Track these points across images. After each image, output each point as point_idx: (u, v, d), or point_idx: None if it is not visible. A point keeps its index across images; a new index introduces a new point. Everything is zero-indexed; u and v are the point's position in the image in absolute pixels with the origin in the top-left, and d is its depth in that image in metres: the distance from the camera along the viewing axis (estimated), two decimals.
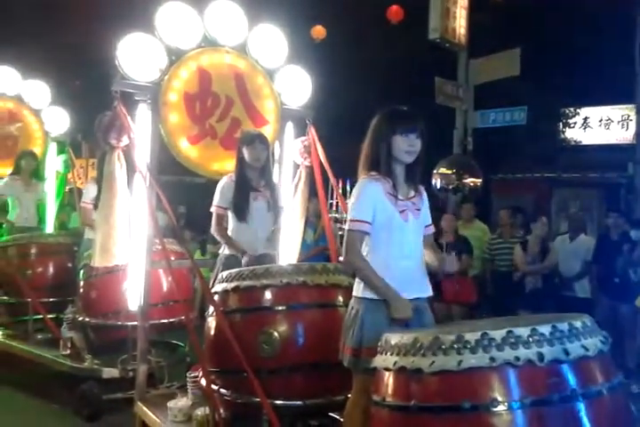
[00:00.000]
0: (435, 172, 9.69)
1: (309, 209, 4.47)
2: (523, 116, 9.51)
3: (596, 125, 11.98)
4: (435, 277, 5.49)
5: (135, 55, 3.41)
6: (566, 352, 1.59)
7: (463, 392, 1.61)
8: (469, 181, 9.70)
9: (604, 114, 11.89)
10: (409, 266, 2.30)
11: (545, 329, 1.64)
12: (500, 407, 1.57)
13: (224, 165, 3.71)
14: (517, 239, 5.79)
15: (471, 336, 1.66)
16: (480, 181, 9.75)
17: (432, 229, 2.49)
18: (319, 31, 11.49)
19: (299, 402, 2.55)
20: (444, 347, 1.68)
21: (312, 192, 4.10)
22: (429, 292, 2.36)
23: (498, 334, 1.64)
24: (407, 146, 2.28)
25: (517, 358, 1.58)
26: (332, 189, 5.41)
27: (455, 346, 1.66)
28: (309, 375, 2.58)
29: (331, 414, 2.65)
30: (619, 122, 11.85)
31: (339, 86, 9.03)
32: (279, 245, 3.67)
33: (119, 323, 3.73)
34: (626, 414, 1.69)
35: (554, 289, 5.33)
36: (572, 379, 1.59)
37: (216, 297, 2.82)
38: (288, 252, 3.90)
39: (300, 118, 4.12)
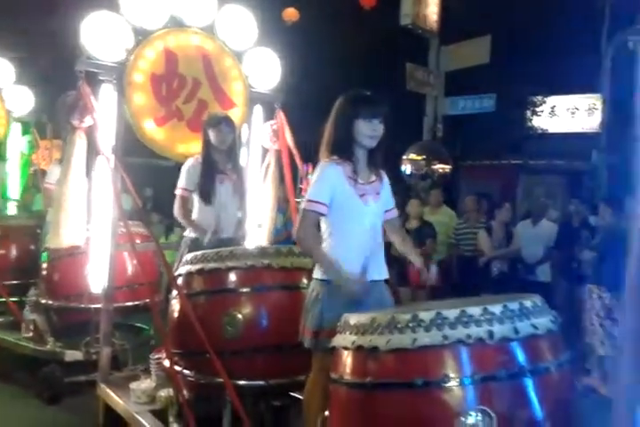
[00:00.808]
0: (404, 157, 9.78)
1: (279, 193, 4.48)
2: (491, 104, 9.64)
3: (563, 114, 12.19)
4: (400, 262, 5.60)
5: (100, 35, 3.35)
6: (516, 330, 1.65)
7: (417, 369, 1.66)
8: (439, 167, 9.81)
9: (570, 103, 12.11)
10: (368, 249, 2.32)
11: (496, 309, 1.69)
12: (452, 383, 1.62)
13: (190, 148, 3.69)
14: (482, 225, 5.91)
15: (426, 315, 1.71)
16: (449, 167, 9.87)
17: (395, 213, 2.52)
18: (292, 13, 11.39)
19: (261, 382, 2.59)
20: (399, 326, 1.72)
21: (282, 176, 4.11)
22: (386, 274, 2.40)
23: (451, 314, 1.69)
24: (370, 130, 2.30)
25: (469, 336, 1.64)
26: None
27: (410, 325, 1.71)
28: (272, 356, 2.61)
29: (292, 393, 2.69)
30: (585, 111, 12.08)
31: (310, 70, 8.99)
32: (246, 228, 3.67)
33: (82, 306, 3.71)
34: (571, 391, 1.76)
35: (517, 273, 5.46)
36: (520, 356, 1.65)
37: (180, 279, 2.82)
38: (258, 236, 3.92)
39: (268, 102, 4.11)
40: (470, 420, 1.57)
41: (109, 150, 3.25)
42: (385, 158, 2.47)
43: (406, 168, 9.82)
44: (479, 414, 1.57)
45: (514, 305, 1.71)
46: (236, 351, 2.58)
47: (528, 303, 1.75)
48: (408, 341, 1.68)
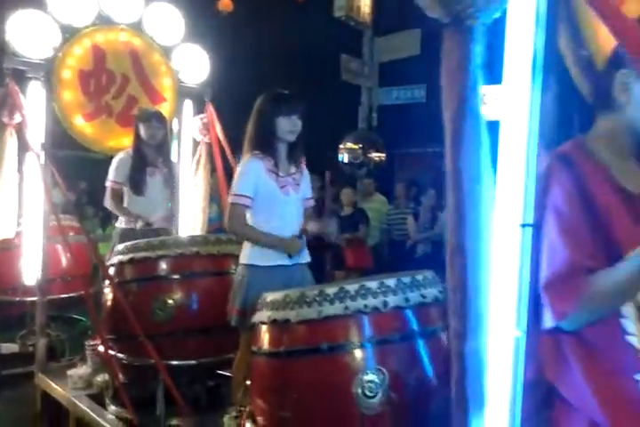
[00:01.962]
0: (341, 146, 10.05)
1: (212, 184, 4.62)
2: (422, 94, 10.00)
3: (491, 102, 12.70)
4: (336, 248, 5.86)
5: (26, 32, 3.40)
6: (407, 300, 1.90)
7: (323, 337, 1.88)
8: (374, 155, 10.13)
9: (499, 92, 12.62)
10: (290, 235, 2.54)
11: (391, 282, 1.93)
12: (353, 347, 1.85)
13: (120, 142, 3.79)
14: (411, 210, 6.23)
15: (331, 290, 1.93)
16: (384, 155, 10.21)
17: (311, 203, 2.74)
18: (226, 4, 11.40)
19: (192, 361, 2.76)
20: (307, 300, 1.94)
21: (214, 168, 4.25)
22: (308, 258, 2.61)
23: (352, 288, 1.91)
24: (290, 126, 2.50)
25: (366, 306, 1.87)
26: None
27: (317, 299, 1.92)
28: (202, 337, 2.78)
29: (221, 372, 2.88)
30: None
31: (245, 61, 9.07)
32: (178, 220, 3.82)
33: (17, 299, 3.77)
34: None
35: (439, 255, 5.79)
36: (411, 322, 1.90)
37: (112, 269, 2.95)
38: (192, 226, 4.06)
39: (198, 96, 4.23)
40: (367, 377, 1.81)
41: (39, 146, 3.32)
42: (307, 151, 2.69)
43: (343, 156, 10.08)
44: (375, 372, 1.81)
45: (407, 279, 1.96)
46: (167, 334, 2.75)
47: (419, 277, 1.99)
48: (315, 313, 1.90)
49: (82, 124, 3.73)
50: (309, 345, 1.89)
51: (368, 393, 1.81)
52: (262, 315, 2.08)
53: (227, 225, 2.50)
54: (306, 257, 2.61)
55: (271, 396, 1.97)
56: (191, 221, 4.05)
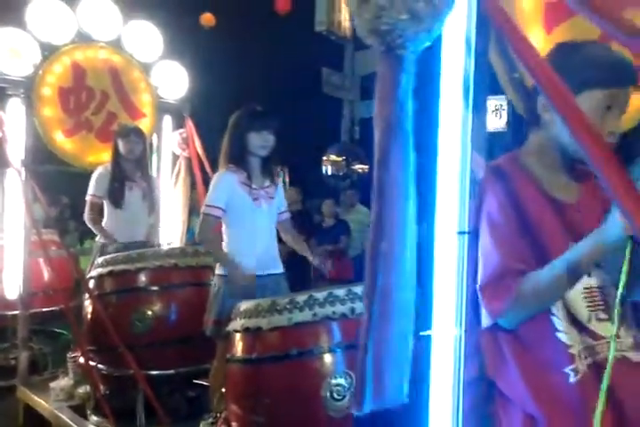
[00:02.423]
0: (325, 159, 10.18)
1: (193, 198, 4.69)
2: None
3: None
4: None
5: (6, 50, 3.48)
6: None
7: (292, 343, 1.96)
8: (357, 167, 10.25)
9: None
10: (262, 246, 2.62)
11: (358, 289, 2.01)
12: (321, 352, 1.93)
13: (100, 157, 3.87)
14: None
15: (301, 298, 2.01)
16: (367, 167, 10.34)
17: (287, 216, 2.82)
18: (208, 18, 11.55)
19: (171, 371, 2.82)
20: (278, 308, 2.02)
21: (194, 182, 4.33)
22: (281, 268, 2.70)
23: (321, 295, 2.00)
24: (261, 141, 2.59)
25: (334, 313, 1.95)
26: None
27: (287, 307, 2.01)
28: (181, 347, 2.84)
29: (199, 381, 2.93)
30: (492, 111, 12.85)
31: (225, 75, 9.19)
32: (159, 233, 3.89)
33: None
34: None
35: None
36: None
37: (92, 282, 3.01)
38: (172, 239, 4.13)
39: (177, 111, 4.33)
40: (335, 381, 1.89)
41: (19, 163, 3.39)
42: (289, 163, 2.78)
43: (327, 169, 10.20)
44: (343, 376, 1.89)
45: None
46: (147, 345, 2.81)
47: None
48: (285, 320, 1.98)
49: (62, 140, 3.80)
50: (280, 351, 1.97)
51: (336, 396, 1.89)
52: (236, 324, 2.15)
53: (197, 235, 2.58)
54: (280, 267, 2.69)
55: (244, 401, 2.05)
56: (172, 233, 4.12)
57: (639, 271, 1.05)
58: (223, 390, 2.23)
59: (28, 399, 3.32)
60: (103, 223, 3.56)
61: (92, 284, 3.00)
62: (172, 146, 4.24)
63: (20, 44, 3.55)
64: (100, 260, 3.05)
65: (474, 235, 1.17)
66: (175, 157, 4.28)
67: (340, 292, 2.01)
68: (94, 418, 2.94)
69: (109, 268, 2.94)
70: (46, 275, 4.03)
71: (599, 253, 1.06)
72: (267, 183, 2.70)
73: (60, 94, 3.78)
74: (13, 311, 3.55)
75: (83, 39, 3.90)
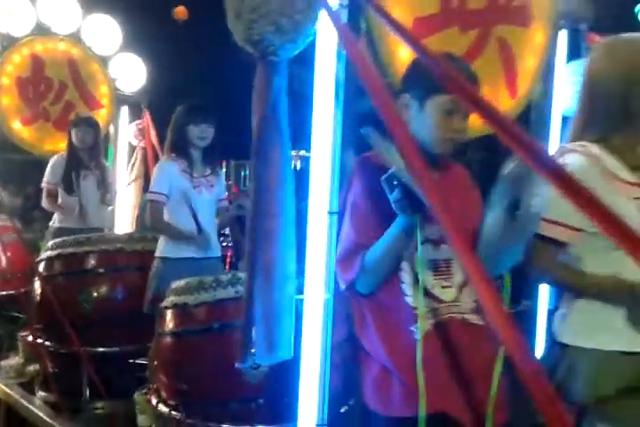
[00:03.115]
0: (294, 154, 10.37)
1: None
2: None
3: None
4: None
5: None
6: None
7: (215, 317, 2.15)
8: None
9: None
10: (202, 231, 2.81)
11: None
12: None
13: (57, 146, 4.00)
14: None
15: (225, 277, 2.20)
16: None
17: (225, 203, 3.03)
18: (181, 12, 11.60)
19: (116, 349, 2.99)
20: (205, 286, 2.21)
21: (148, 171, 4.48)
22: (219, 253, 2.90)
23: (243, 275, 2.19)
24: (200, 133, 2.79)
25: None
26: None
27: (213, 285, 2.19)
28: (125, 326, 3.00)
29: (141, 360, 3.10)
30: None
31: (190, 67, 9.29)
32: (112, 219, 4.04)
33: None
34: None
35: None
36: None
37: (43, 264, 3.16)
38: (124, 225, 4.28)
39: (135, 102, 4.46)
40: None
41: None
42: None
43: (295, 165, 10.40)
44: None
45: None
46: (92, 323, 2.96)
47: None
48: (210, 296, 2.17)
49: (20, 129, 3.93)
50: (204, 325, 2.16)
51: (253, 365, 2.08)
52: (167, 300, 2.33)
53: (147, 221, 2.76)
54: (217, 251, 2.88)
55: (171, 371, 2.23)
56: (126, 220, 4.26)
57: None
58: (155, 362, 2.41)
59: None
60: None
61: (42, 266, 3.15)
62: (128, 136, 4.38)
63: None
64: (49, 243, 3.20)
65: (341, 215, 1.37)
66: (132, 147, 4.42)
67: None
68: (42, 394, 3.09)
69: (58, 251, 3.08)
70: (3, 259, 4.14)
71: (404, 230, 1.28)
72: (207, 172, 2.88)
73: (18, 84, 3.91)
74: None
75: (42, 32, 4.02)
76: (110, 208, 3.99)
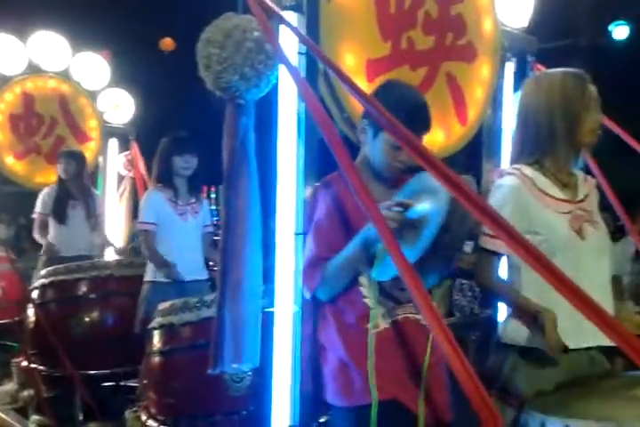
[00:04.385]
0: None
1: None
2: None
3: None
4: None
5: None
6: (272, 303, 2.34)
7: (200, 335, 2.28)
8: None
9: None
10: (189, 256, 2.98)
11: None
12: None
13: (48, 178, 4.17)
14: None
15: (209, 298, 2.35)
16: None
17: (209, 229, 3.18)
18: (168, 43, 11.91)
19: (107, 371, 3.11)
20: (189, 307, 2.35)
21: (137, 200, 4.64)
22: (205, 275, 3.05)
23: None
24: (184, 163, 2.97)
25: None
26: None
27: (197, 304, 2.34)
28: (116, 349, 3.13)
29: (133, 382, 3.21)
30: None
31: (177, 99, 9.52)
32: (102, 247, 4.18)
33: None
34: None
35: None
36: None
37: (36, 291, 3.30)
38: (115, 252, 4.41)
39: (124, 134, 4.65)
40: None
41: None
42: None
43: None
44: None
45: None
46: (84, 347, 3.08)
47: None
48: (194, 316, 2.32)
49: (12, 163, 4.11)
50: (189, 343, 2.30)
51: (236, 379, 2.22)
52: (155, 322, 2.47)
53: (143, 250, 2.94)
54: (204, 274, 3.04)
55: (159, 387, 2.36)
56: (116, 247, 4.40)
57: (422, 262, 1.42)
58: (144, 381, 2.54)
59: None
60: (49, 238, 3.85)
61: (35, 293, 3.28)
62: (117, 167, 4.55)
63: None
64: (42, 271, 3.34)
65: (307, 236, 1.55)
66: (121, 178, 4.59)
67: None
68: (36, 417, 3.20)
69: (50, 278, 3.23)
70: None
71: (364, 246, 1.43)
72: (192, 200, 3.06)
73: (10, 121, 4.10)
74: None
75: (33, 70, 4.23)
76: (98, 235, 4.11)
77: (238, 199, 1.42)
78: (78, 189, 3.93)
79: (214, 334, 1.48)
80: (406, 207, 1.37)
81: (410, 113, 1.50)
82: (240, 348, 1.49)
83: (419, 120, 1.53)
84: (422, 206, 1.36)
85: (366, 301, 1.51)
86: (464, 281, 3.15)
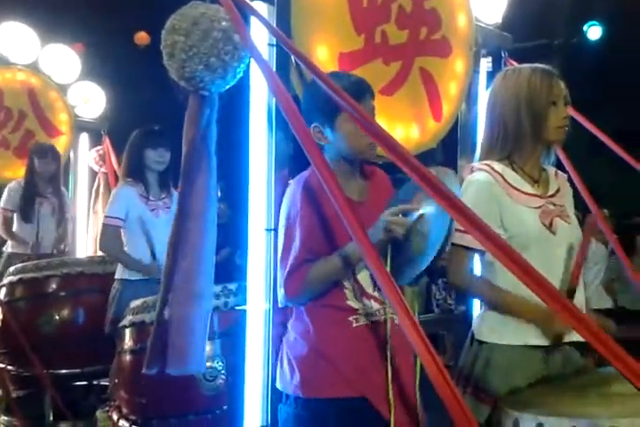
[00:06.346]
0: None
1: None
2: None
3: None
4: None
5: None
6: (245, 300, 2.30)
7: None
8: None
9: None
10: (160, 253, 2.91)
11: (233, 286, 2.33)
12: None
13: (17, 173, 4.07)
14: None
15: None
16: None
17: None
18: (143, 37, 11.72)
19: (77, 370, 3.05)
20: None
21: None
22: None
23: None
24: (157, 157, 2.90)
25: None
26: None
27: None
28: (86, 348, 3.06)
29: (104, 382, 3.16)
30: None
31: (151, 92, 9.37)
32: (73, 244, 4.10)
33: None
34: None
35: None
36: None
37: (4, 289, 3.21)
38: (85, 250, 4.33)
39: (95, 129, 4.56)
40: (209, 364, 2.18)
41: None
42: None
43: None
44: (216, 360, 2.19)
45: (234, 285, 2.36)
46: (54, 346, 3.02)
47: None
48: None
49: None
50: None
51: (208, 378, 2.18)
52: (126, 320, 2.42)
53: (99, 245, 2.85)
54: None
55: (130, 386, 2.31)
56: (88, 244, 4.32)
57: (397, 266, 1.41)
58: (116, 380, 2.49)
59: None
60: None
61: (2, 291, 3.20)
62: (89, 162, 4.46)
63: None
64: (11, 268, 3.25)
65: (278, 232, 1.51)
66: (93, 173, 4.50)
67: (217, 288, 2.31)
68: (5, 418, 3.12)
69: (19, 276, 3.15)
70: None
71: (346, 264, 1.42)
72: (163, 195, 2.99)
73: None
74: None
75: (1, 62, 4.11)
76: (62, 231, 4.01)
77: (193, 195, 1.38)
78: (49, 185, 3.84)
79: (151, 335, 1.43)
80: (409, 212, 1.37)
81: (350, 85, 1.46)
82: (184, 352, 1.43)
83: (360, 89, 1.49)
84: (425, 209, 1.35)
85: (349, 302, 1.49)
86: (444, 278, 3.16)
